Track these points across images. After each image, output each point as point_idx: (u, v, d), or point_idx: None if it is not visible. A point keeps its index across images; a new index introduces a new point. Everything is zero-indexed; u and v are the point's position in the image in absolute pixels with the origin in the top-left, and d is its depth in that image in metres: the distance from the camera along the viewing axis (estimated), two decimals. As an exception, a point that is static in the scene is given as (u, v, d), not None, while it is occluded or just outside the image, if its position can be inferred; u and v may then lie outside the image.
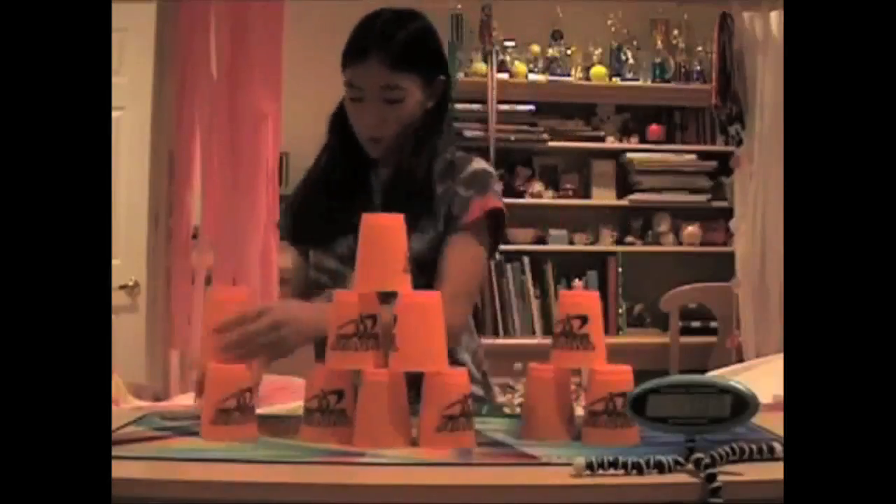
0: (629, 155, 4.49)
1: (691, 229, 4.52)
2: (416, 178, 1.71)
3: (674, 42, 4.59)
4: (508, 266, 4.41)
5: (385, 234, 1.42)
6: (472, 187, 1.72)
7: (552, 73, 4.46)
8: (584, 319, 1.43)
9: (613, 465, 1.18)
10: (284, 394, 2.72)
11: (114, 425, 1.41)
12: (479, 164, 1.77)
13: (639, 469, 1.19)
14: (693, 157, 4.51)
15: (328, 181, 1.78)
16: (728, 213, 4.08)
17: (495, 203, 1.72)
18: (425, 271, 1.68)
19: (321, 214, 1.77)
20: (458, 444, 1.34)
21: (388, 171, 1.75)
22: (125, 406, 2.41)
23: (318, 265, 1.78)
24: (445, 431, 1.34)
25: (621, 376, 1.40)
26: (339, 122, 1.77)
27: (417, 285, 1.64)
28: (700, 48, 4.54)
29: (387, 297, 1.43)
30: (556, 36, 4.51)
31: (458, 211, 1.71)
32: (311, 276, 1.80)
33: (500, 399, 2.12)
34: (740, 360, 3.52)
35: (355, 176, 1.77)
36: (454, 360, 1.70)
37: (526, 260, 4.44)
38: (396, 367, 1.37)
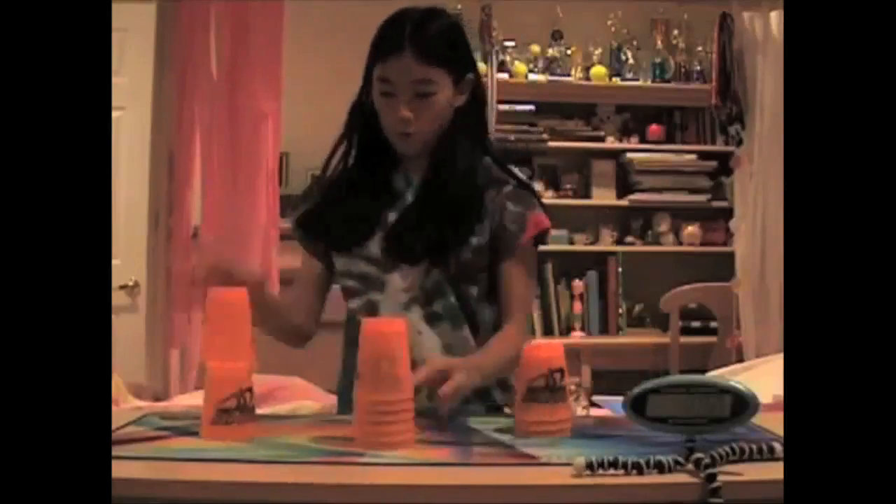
0: (629, 155, 4.49)
1: (691, 229, 4.52)
2: (457, 179, 1.70)
3: (674, 42, 4.59)
4: (508, 266, 4.40)
5: (231, 311, 1.47)
6: (520, 202, 1.73)
7: (552, 73, 4.46)
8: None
9: (613, 465, 1.18)
10: (284, 394, 2.73)
11: (114, 425, 1.41)
12: (520, 175, 1.78)
13: (639, 469, 1.19)
14: (693, 157, 4.51)
15: (354, 182, 1.74)
16: (728, 213, 4.08)
17: (546, 222, 1.74)
18: (472, 280, 1.70)
19: (350, 216, 1.72)
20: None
21: (423, 172, 1.72)
22: (125, 406, 2.42)
23: (347, 271, 1.73)
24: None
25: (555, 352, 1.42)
26: (362, 120, 1.74)
27: (464, 296, 1.68)
28: (700, 48, 4.54)
29: None
30: (556, 36, 4.51)
31: (514, 228, 1.71)
32: (343, 283, 1.74)
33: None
34: (740, 360, 3.53)
35: (381, 176, 1.74)
36: (508, 386, 1.71)
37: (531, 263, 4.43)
38: None
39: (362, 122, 1.74)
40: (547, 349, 1.43)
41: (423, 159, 1.72)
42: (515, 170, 1.79)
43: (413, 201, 1.71)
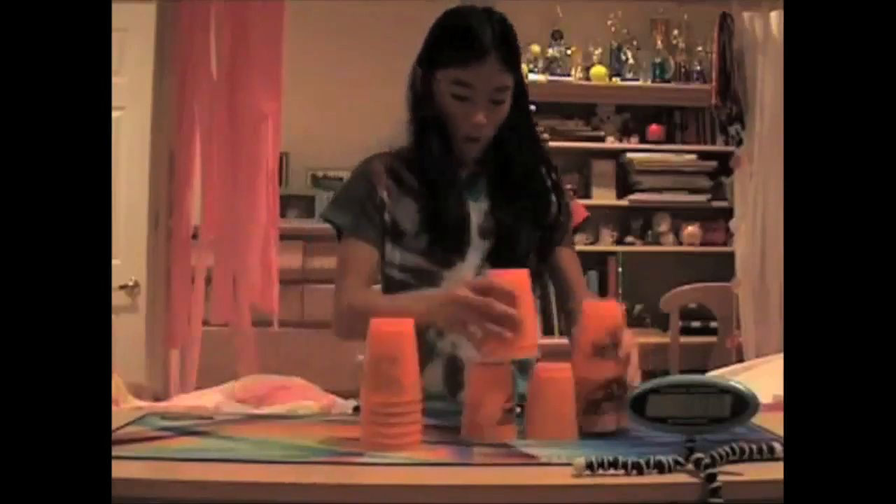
0: (629, 155, 4.49)
1: (691, 229, 4.52)
2: (533, 179, 1.75)
3: (674, 42, 4.59)
4: (508, 266, 4.41)
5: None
6: (562, 194, 1.80)
7: (552, 73, 4.46)
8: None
9: (613, 465, 1.18)
10: (285, 394, 2.73)
11: (114, 425, 1.41)
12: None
13: (639, 469, 1.19)
14: (693, 157, 4.51)
15: (423, 178, 1.71)
16: (728, 213, 4.08)
17: (585, 212, 1.86)
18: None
19: (418, 210, 1.69)
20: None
21: (477, 168, 1.74)
22: (125, 406, 2.42)
23: (400, 264, 1.71)
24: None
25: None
26: (425, 119, 1.71)
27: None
28: (700, 48, 4.54)
29: None
30: (556, 36, 4.51)
31: (564, 219, 1.79)
32: (391, 275, 1.72)
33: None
34: (740, 360, 3.52)
35: (440, 170, 1.71)
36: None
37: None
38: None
39: (429, 119, 1.70)
40: (609, 308, 1.47)
41: (475, 156, 1.73)
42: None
43: (498, 199, 1.72)
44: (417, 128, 1.73)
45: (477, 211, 1.72)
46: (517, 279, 1.42)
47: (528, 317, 1.40)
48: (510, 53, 1.66)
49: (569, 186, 4.51)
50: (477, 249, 1.70)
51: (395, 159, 1.75)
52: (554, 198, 1.78)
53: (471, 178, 1.75)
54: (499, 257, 1.69)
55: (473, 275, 1.67)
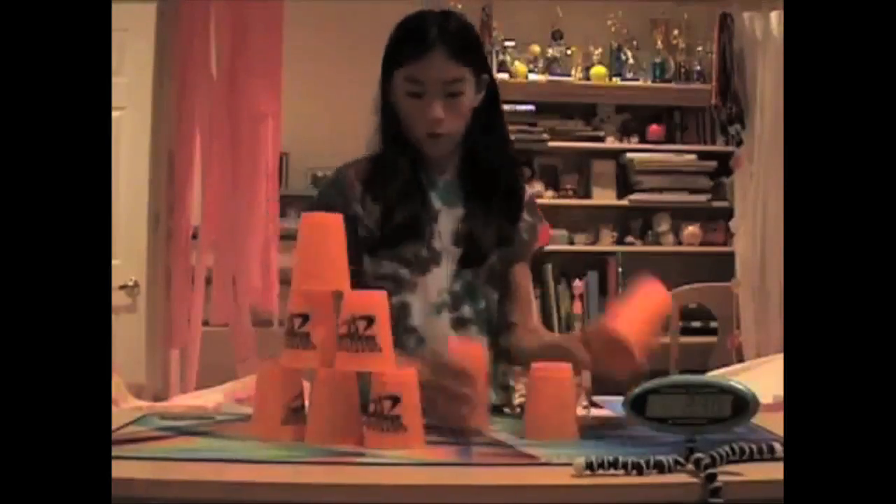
0: (629, 155, 4.49)
1: (691, 229, 4.52)
2: (499, 181, 1.75)
3: (674, 42, 4.59)
4: (508, 266, 4.41)
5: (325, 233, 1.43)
6: (531, 213, 1.81)
7: (552, 73, 4.46)
8: (370, 321, 1.37)
9: (613, 465, 1.18)
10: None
11: (114, 425, 1.41)
12: (527, 188, 1.85)
13: (639, 469, 1.19)
14: (693, 157, 4.51)
15: (382, 183, 1.72)
16: (728, 213, 4.08)
17: (549, 237, 1.85)
18: (496, 284, 1.73)
19: (386, 219, 1.70)
20: None
21: (452, 174, 1.75)
22: (125, 406, 2.41)
23: (375, 273, 1.70)
24: None
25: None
26: (391, 122, 1.73)
27: (490, 300, 1.72)
28: (700, 48, 4.54)
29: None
30: (556, 36, 4.51)
31: (527, 237, 1.79)
32: (367, 284, 1.69)
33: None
34: (740, 360, 3.52)
35: (407, 177, 1.72)
36: (508, 386, 1.75)
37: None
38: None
39: (391, 125, 1.72)
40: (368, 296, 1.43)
41: (445, 160, 1.74)
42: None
43: (470, 204, 1.73)
44: (382, 132, 1.74)
45: (452, 217, 1.73)
46: (472, 357, 1.48)
47: (481, 393, 1.46)
48: (460, 46, 1.66)
49: (568, 186, 4.52)
50: (450, 255, 1.71)
51: (369, 165, 1.75)
52: (526, 214, 1.80)
53: (448, 184, 1.75)
54: (469, 264, 1.70)
55: (443, 284, 1.69)
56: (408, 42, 1.67)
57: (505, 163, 1.77)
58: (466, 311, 1.70)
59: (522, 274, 1.80)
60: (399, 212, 1.69)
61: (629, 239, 4.55)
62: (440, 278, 1.69)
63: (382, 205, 1.71)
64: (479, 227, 1.71)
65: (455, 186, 1.75)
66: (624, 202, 4.51)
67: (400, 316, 1.65)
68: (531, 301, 1.82)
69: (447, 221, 1.72)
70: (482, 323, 1.71)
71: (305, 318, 1.39)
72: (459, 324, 1.69)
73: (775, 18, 3.72)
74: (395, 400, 1.34)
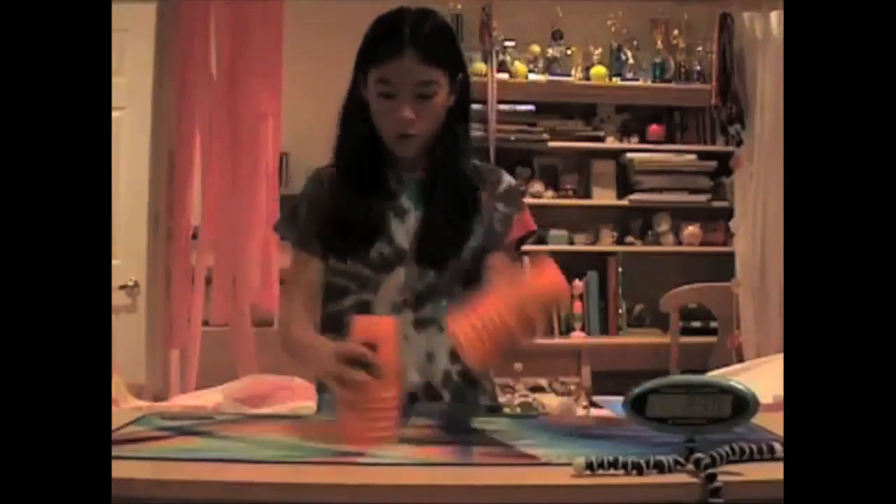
0: (629, 155, 4.49)
1: (691, 229, 4.52)
2: (458, 180, 1.72)
3: (674, 42, 4.59)
4: (508, 266, 4.41)
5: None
6: (509, 203, 1.77)
7: (552, 73, 4.46)
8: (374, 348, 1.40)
9: (613, 465, 1.18)
10: (285, 394, 2.73)
11: (114, 425, 1.41)
12: (507, 177, 1.81)
13: (639, 469, 1.19)
14: (693, 157, 4.51)
15: (349, 183, 1.72)
16: (728, 213, 4.07)
17: (532, 225, 1.79)
18: (465, 283, 1.70)
19: (351, 219, 1.70)
20: None
21: (421, 173, 1.73)
22: (125, 406, 2.42)
23: (344, 271, 1.71)
24: None
25: None
26: (355, 123, 1.73)
27: (456, 299, 1.67)
28: (700, 48, 4.53)
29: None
30: (556, 36, 4.51)
31: (500, 228, 1.75)
32: (333, 282, 1.73)
33: (501, 399, 2.12)
34: (740, 360, 3.52)
35: (375, 177, 1.73)
36: (507, 387, 1.74)
37: (525, 260, 4.42)
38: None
39: (356, 122, 1.72)
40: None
41: (416, 160, 1.72)
42: (503, 171, 1.82)
43: (431, 204, 1.71)
44: (347, 132, 1.74)
45: (414, 216, 1.72)
46: (376, 329, 1.45)
47: (387, 361, 1.41)
48: (433, 48, 1.64)
49: (568, 186, 4.52)
50: (413, 255, 1.70)
51: (340, 165, 1.75)
52: (502, 206, 1.76)
53: (419, 183, 1.74)
54: (426, 263, 1.69)
55: (405, 282, 1.69)
56: (381, 42, 1.66)
57: (459, 160, 1.74)
58: (428, 310, 1.69)
59: (499, 263, 1.73)
60: (359, 211, 1.70)
61: (629, 239, 4.55)
62: (403, 276, 1.69)
63: (344, 206, 1.71)
64: (436, 226, 1.69)
65: (425, 185, 1.75)
66: (624, 202, 4.51)
67: (360, 313, 1.65)
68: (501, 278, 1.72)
69: (412, 220, 1.72)
70: (444, 322, 1.69)
71: None
72: (420, 323, 1.69)
73: (775, 18, 3.72)
74: None
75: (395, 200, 1.72)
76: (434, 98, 1.66)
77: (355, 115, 1.72)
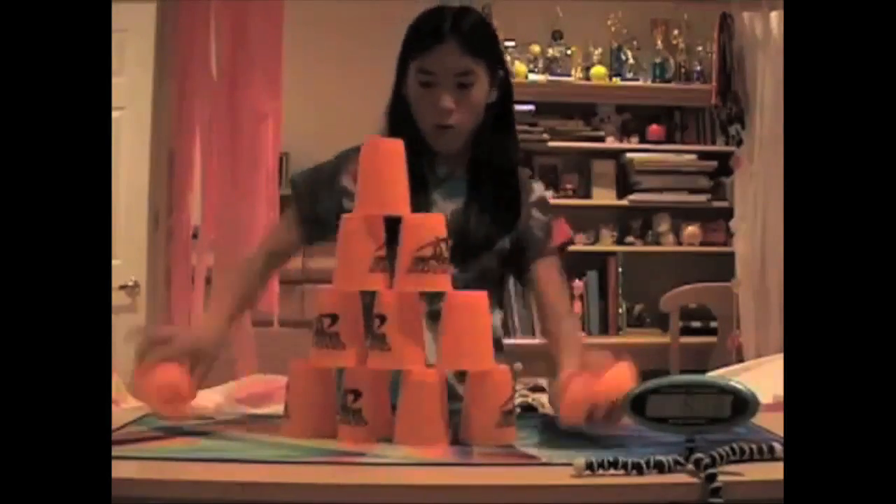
0: (629, 155, 4.49)
1: (691, 229, 4.52)
2: (504, 179, 1.73)
3: (674, 42, 4.59)
4: (508, 266, 4.41)
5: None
6: (544, 211, 1.78)
7: (552, 73, 4.46)
8: (333, 319, 1.43)
9: (613, 465, 1.18)
10: (284, 394, 2.72)
11: (114, 425, 1.41)
12: (539, 186, 1.82)
13: (639, 469, 1.19)
14: (693, 157, 4.51)
15: None
16: (728, 213, 4.08)
17: (569, 232, 1.81)
18: (487, 285, 1.66)
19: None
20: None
21: (462, 172, 1.73)
22: (125, 406, 2.41)
23: None
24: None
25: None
26: (398, 122, 1.73)
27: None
28: (700, 48, 4.53)
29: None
30: (556, 36, 4.51)
31: (541, 234, 1.76)
32: None
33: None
34: (740, 360, 3.52)
35: (414, 171, 1.68)
36: None
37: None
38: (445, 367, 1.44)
39: (399, 121, 1.72)
40: (434, 218, 1.48)
41: (456, 158, 1.73)
42: (535, 180, 1.84)
43: (468, 201, 1.71)
44: (390, 124, 1.74)
45: (447, 210, 1.71)
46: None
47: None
48: (473, 39, 1.66)
49: (568, 186, 4.52)
50: None
51: None
52: (538, 213, 1.77)
53: (455, 181, 1.74)
54: (455, 258, 1.66)
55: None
56: (422, 34, 1.68)
57: (507, 163, 1.76)
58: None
59: (546, 275, 1.74)
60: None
61: (629, 239, 4.55)
62: None
63: None
64: (469, 223, 1.69)
65: (461, 183, 1.75)
66: (624, 202, 4.51)
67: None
68: (560, 302, 1.73)
69: (450, 216, 1.71)
70: None
71: (335, 318, 1.43)
72: (433, 317, 1.68)
73: (775, 18, 3.72)
74: (357, 394, 1.40)
75: (430, 196, 1.72)
76: (473, 88, 1.66)
77: (399, 113, 1.73)
